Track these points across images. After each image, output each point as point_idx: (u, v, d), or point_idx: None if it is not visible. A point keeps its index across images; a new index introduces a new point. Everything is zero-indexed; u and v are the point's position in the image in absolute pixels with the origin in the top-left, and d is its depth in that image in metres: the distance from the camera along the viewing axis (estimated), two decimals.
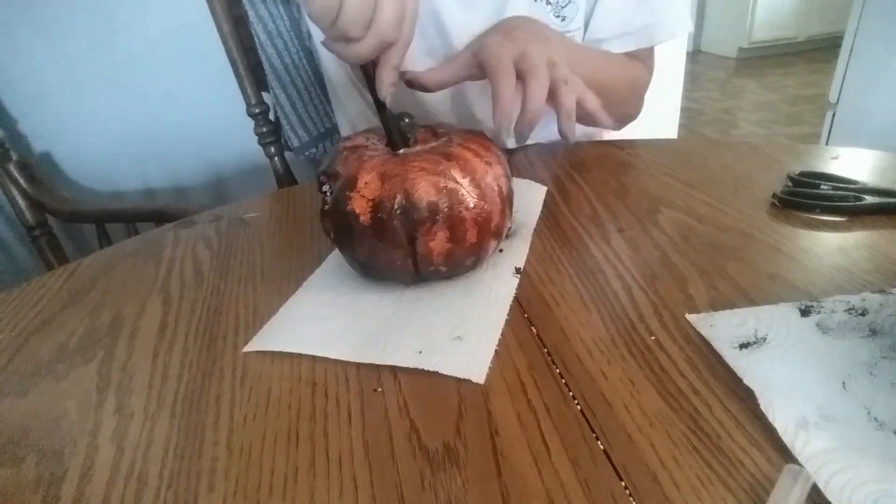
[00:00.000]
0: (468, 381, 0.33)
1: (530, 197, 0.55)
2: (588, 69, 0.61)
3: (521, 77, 0.48)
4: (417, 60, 0.65)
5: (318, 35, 0.66)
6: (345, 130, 0.85)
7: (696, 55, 4.54)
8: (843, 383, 0.30)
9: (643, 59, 0.70)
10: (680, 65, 1.56)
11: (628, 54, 0.68)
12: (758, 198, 0.52)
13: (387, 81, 0.43)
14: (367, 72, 0.43)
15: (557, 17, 0.64)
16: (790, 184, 0.52)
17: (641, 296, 0.40)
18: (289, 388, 0.35)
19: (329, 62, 0.77)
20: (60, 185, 1.16)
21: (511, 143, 0.39)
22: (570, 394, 0.32)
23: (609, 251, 0.46)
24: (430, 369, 0.34)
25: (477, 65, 0.51)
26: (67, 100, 1.12)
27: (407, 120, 0.44)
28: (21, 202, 1.01)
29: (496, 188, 0.40)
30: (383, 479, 0.28)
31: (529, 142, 0.72)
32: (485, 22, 0.63)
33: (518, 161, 0.67)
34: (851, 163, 0.58)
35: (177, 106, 1.19)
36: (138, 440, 0.32)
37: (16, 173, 1.00)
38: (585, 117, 0.53)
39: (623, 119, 0.72)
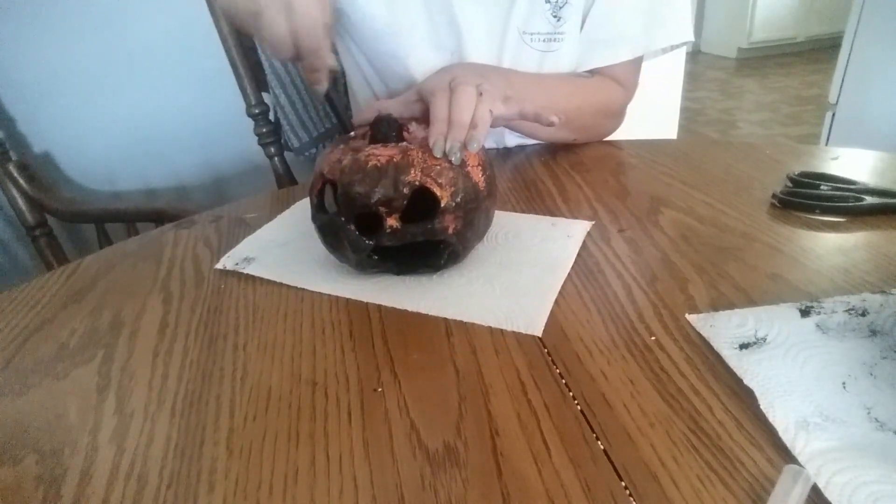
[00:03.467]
0: (468, 381, 0.33)
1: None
2: (542, 98, 0.61)
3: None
4: (427, 55, 0.65)
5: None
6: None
7: (696, 55, 4.53)
8: (844, 384, 0.30)
9: (622, 77, 0.68)
10: (680, 65, 1.56)
11: (604, 75, 0.67)
12: (758, 198, 0.52)
13: (309, 79, 0.49)
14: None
15: (554, 16, 0.64)
16: (790, 184, 0.52)
17: (641, 296, 0.40)
18: (289, 388, 0.35)
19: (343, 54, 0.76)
20: (60, 185, 1.16)
21: (454, 160, 0.40)
22: (570, 394, 0.32)
23: (609, 251, 0.46)
24: (486, 324, 0.38)
25: (419, 101, 0.52)
26: (67, 100, 1.12)
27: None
28: (21, 202, 1.01)
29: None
30: (383, 479, 0.28)
31: (530, 142, 0.72)
32: (493, 13, 0.63)
33: (518, 161, 0.68)
34: (851, 163, 0.58)
35: (177, 106, 1.19)
36: (138, 440, 0.32)
37: (16, 173, 1.00)
38: (538, 127, 0.58)
39: (593, 138, 0.72)
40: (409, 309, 0.40)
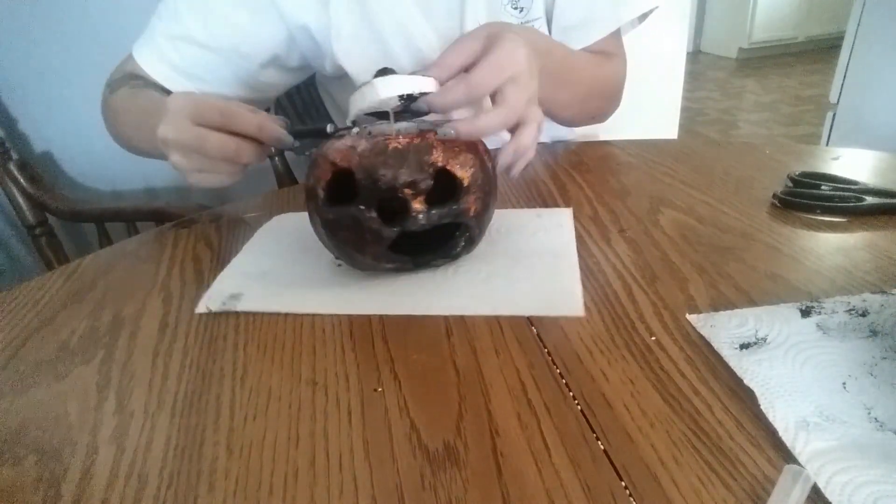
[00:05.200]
0: (468, 381, 0.33)
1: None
2: (565, 93, 0.61)
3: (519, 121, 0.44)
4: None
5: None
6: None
7: (696, 55, 4.53)
8: (844, 384, 0.30)
9: (614, 50, 0.68)
10: (680, 65, 1.56)
11: (601, 50, 0.67)
12: (758, 198, 0.52)
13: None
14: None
15: (515, 8, 0.64)
16: (790, 184, 0.52)
17: (641, 296, 0.40)
18: (289, 388, 0.35)
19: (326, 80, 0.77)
20: (61, 185, 1.16)
21: (512, 174, 0.43)
22: (570, 394, 0.32)
23: (609, 251, 0.46)
24: (526, 314, 0.38)
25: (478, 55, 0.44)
26: (67, 100, 1.12)
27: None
28: (21, 201, 1.01)
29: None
30: (383, 479, 0.28)
31: None
32: (446, 23, 0.64)
33: None
34: (852, 163, 0.58)
35: None
36: (138, 440, 0.32)
37: (16, 172, 1.00)
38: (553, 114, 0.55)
39: (601, 118, 0.72)
40: (439, 313, 0.39)
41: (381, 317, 0.40)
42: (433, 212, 0.39)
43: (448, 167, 0.39)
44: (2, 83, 1.07)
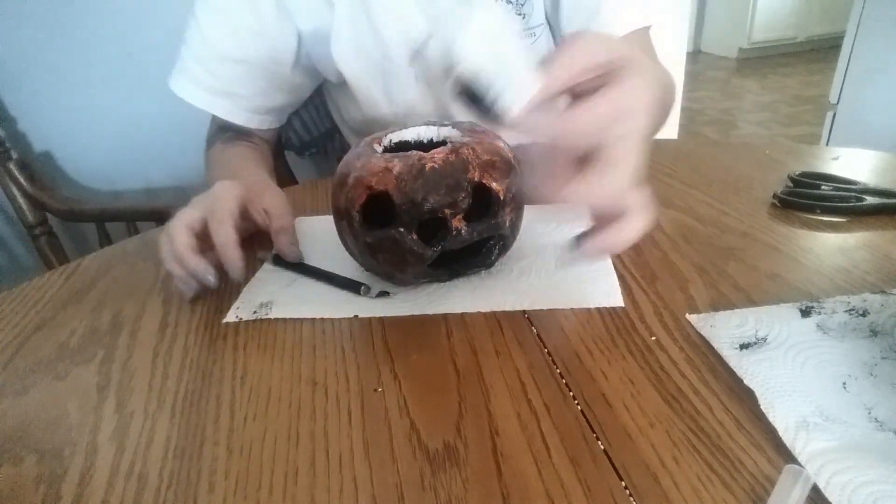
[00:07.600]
0: (468, 381, 0.33)
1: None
2: (665, 112, 0.58)
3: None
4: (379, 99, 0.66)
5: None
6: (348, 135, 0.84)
7: (696, 55, 4.53)
8: (844, 384, 0.30)
9: (649, 52, 0.65)
10: (680, 65, 1.56)
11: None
12: (758, 198, 0.52)
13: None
14: None
15: (519, 14, 0.63)
16: (791, 184, 0.52)
17: (641, 296, 0.40)
18: (289, 388, 0.35)
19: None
20: (60, 184, 1.16)
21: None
22: (571, 394, 0.32)
23: None
24: (568, 307, 0.39)
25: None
26: (67, 99, 1.12)
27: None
28: (21, 201, 1.01)
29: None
30: (383, 479, 0.28)
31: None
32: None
33: None
34: (852, 163, 0.58)
35: (177, 105, 1.19)
36: (138, 440, 0.32)
37: (16, 172, 1.00)
38: None
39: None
40: (484, 310, 0.39)
41: (380, 317, 0.40)
42: (473, 228, 0.39)
43: (484, 182, 0.38)
44: (2, 83, 1.07)
